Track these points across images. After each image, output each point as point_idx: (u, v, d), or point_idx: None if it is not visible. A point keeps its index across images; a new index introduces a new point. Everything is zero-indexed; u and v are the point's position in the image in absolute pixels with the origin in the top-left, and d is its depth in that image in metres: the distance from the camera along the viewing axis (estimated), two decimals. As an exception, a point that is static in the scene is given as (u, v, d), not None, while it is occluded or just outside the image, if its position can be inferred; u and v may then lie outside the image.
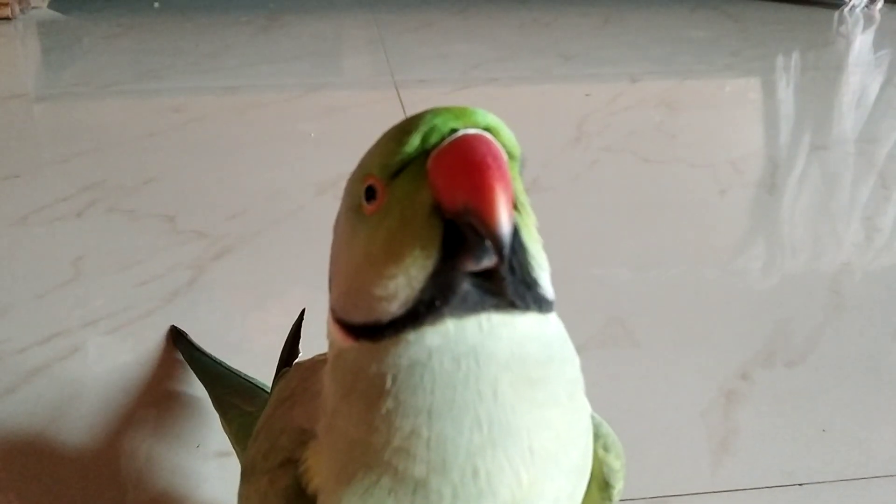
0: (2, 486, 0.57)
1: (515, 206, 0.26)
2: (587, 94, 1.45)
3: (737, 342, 0.75)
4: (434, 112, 0.26)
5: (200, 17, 1.99)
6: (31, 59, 1.78)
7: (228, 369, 0.62)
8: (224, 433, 0.55)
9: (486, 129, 0.26)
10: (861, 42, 1.98)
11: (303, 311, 0.56)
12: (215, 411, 0.58)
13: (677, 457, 0.61)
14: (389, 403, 0.26)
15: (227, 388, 0.59)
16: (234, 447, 0.52)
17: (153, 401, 0.66)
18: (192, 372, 0.69)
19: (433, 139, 0.26)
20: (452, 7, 2.15)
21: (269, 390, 0.54)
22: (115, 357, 0.71)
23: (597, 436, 0.33)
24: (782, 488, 0.58)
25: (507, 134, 0.27)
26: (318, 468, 0.29)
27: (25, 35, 1.89)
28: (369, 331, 0.27)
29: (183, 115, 1.32)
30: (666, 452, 0.61)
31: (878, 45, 1.94)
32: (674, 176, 1.13)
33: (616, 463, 0.34)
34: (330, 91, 1.48)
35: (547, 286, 0.27)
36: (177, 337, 0.72)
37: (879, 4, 2.25)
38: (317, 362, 0.36)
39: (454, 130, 0.25)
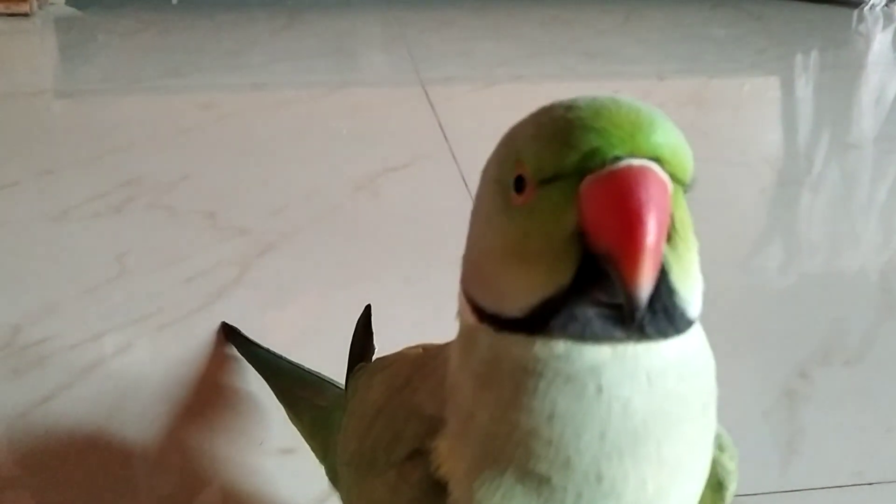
0: (63, 481, 0.57)
1: (671, 237, 0.25)
2: (616, 92, 1.44)
3: (792, 342, 0.75)
4: (601, 127, 0.24)
5: (220, 14, 1.98)
6: (50, 55, 1.77)
7: (290, 363, 0.62)
8: (290, 428, 0.54)
9: (655, 157, 0.24)
10: (881, 41, 1.98)
11: (368, 306, 0.55)
12: (278, 406, 0.58)
13: (745, 457, 0.60)
14: (508, 397, 0.25)
15: (293, 381, 0.58)
16: (306, 440, 0.51)
17: (211, 398, 0.66)
18: (246, 368, 0.68)
19: (593, 163, 0.24)
20: (472, 4, 2.14)
21: (339, 385, 0.53)
22: (168, 354, 0.70)
23: None
24: (854, 487, 0.58)
25: (679, 158, 0.25)
26: (450, 454, 0.28)
27: (44, 31, 1.89)
28: (492, 318, 0.26)
29: (212, 112, 1.31)
30: (733, 451, 0.61)
31: (898, 44, 1.94)
32: (711, 174, 1.13)
33: (731, 464, 0.33)
34: (356, 88, 1.48)
35: (693, 311, 0.26)
36: (230, 333, 0.72)
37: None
38: (432, 346, 0.35)
39: (617, 157, 0.24)
